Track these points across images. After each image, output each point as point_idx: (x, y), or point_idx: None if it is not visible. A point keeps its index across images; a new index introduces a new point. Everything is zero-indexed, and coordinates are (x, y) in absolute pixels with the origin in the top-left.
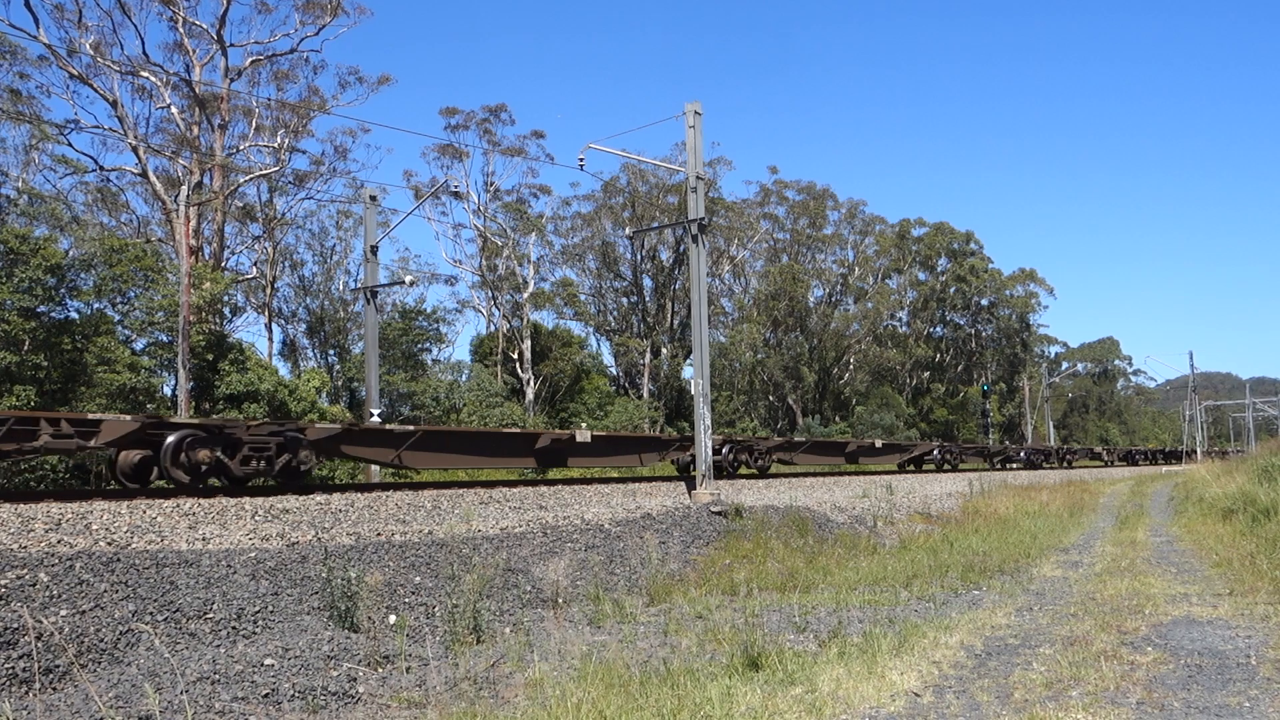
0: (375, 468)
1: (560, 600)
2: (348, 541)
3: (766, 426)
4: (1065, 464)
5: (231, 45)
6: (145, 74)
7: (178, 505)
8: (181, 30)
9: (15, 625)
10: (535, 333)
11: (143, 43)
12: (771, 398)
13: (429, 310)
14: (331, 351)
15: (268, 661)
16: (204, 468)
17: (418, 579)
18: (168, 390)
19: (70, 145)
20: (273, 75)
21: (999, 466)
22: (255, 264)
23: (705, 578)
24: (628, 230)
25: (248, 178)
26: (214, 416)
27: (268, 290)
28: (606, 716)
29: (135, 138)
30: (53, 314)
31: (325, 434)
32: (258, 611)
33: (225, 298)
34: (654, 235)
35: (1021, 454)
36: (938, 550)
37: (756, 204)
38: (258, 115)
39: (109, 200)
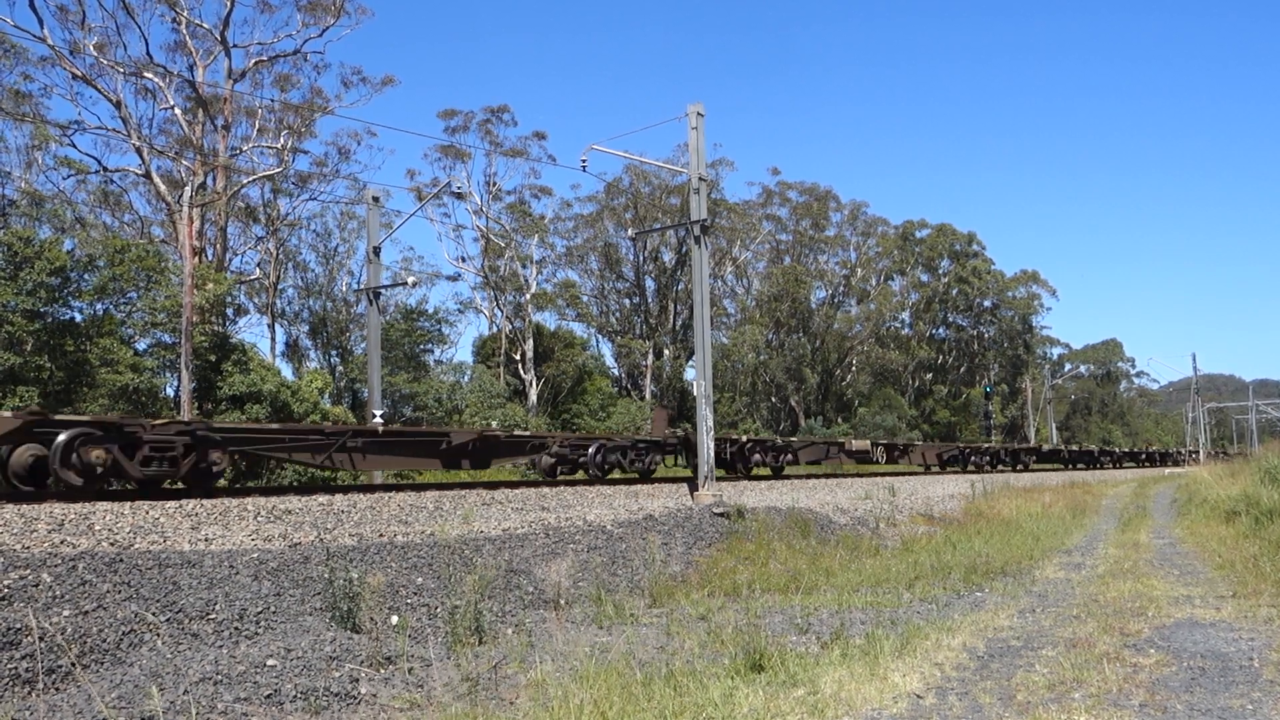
0: (378, 471)
1: (562, 601)
2: (350, 542)
3: (769, 428)
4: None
5: (235, 46)
6: (149, 75)
7: (180, 506)
8: (184, 31)
9: (18, 626)
10: (537, 334)
11: (146, 44)
12: (774, 399)
13: (431, 311)
14: (334, 352)
15: (270, 662)
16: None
17: (420, 580)
18: (170, 391)
19: (74, 146)
20: (275, 78)
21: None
22: (258, 265)
23: (707, 579)
24: (630, 231)
25: (251, 179)
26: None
27: (270, 291)
28: (609, 717)
29: (139, 138)
30: (56, 315)
31: (748, 443)
32: (260, 612)
33: (228, 299)
34: (656, 236)
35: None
36: (940, 552)
37: (759, 205)
38: (260, 116)
39: (111, 201)
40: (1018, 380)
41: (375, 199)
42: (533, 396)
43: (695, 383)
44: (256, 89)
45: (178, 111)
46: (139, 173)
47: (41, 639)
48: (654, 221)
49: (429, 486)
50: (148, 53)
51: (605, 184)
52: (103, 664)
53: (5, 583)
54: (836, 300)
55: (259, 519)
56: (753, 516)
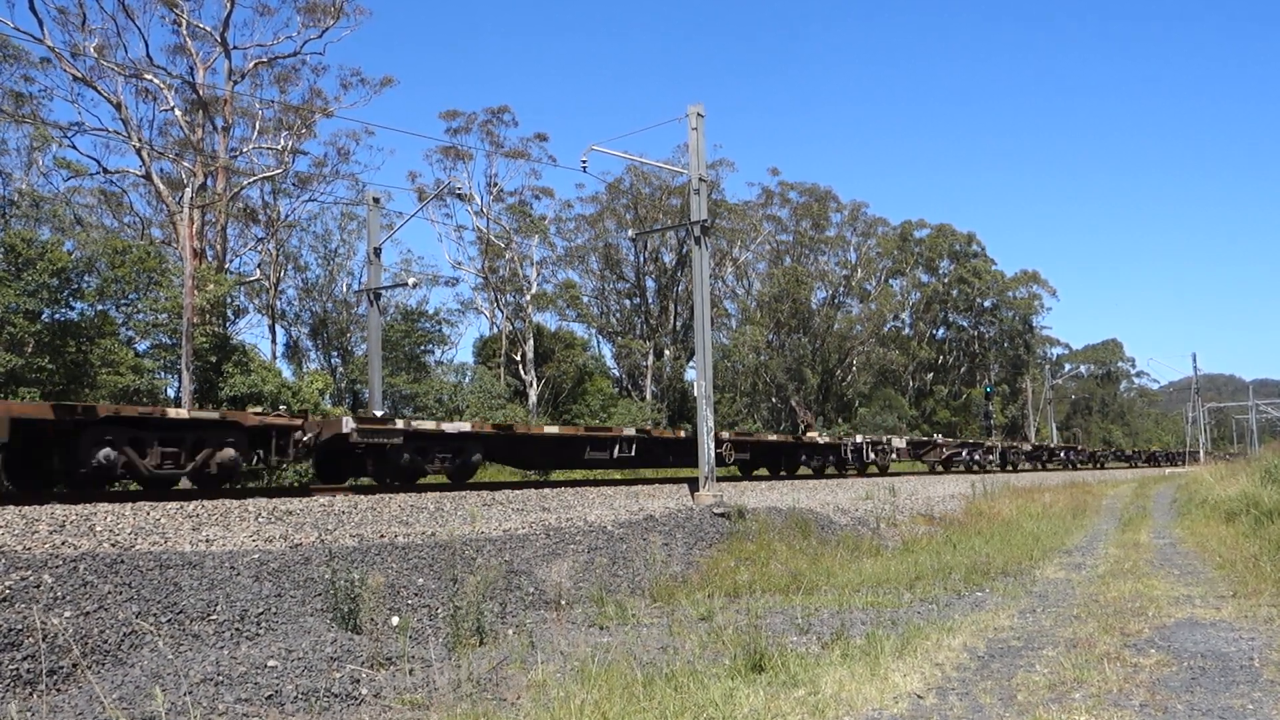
0: None
1: (563, 602)
2: (351, 543)
3: (769, 428)
4: None
5: (235, 48)
6: (149, 76)
7: (181, 507)
8: (184, 33)
9: (20, 627)
10: (538, 334)
11: (146, 45)
12: (774, 400)
13: (432, 312)
14: (334, 353)
15: (271, 663)
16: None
17: (420, 581)
18: (171, 392)
19: (74, 148)
20: (274, 79)
21: None
22: (258, 266)
23: (708, 579)
24: (630, 232)
25: (251, 180)
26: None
27: (271, 292)
28: (610, 717)
29: (139, 140)
30: (56, 316)
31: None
32: (261, 613)
33: (228, 300)
34: (657, 237)
35: None
36: (941, 552)
37: (759, 206)
38: (260, 117)
39: (112, 202)
40: (1018, 380)
41: (376, 200)
42: (533, 397)
43: (696, 383)
44: (257, 90)
45: (178, 113)
46: (139, 174)
47: (43, 640)
48: (655, 222)
49: (429, 488)
50: (148, 55)
51: (606, 184)
52: (104, 665)
53: (7, 584)
54: (837, 301)
55: (260, 520)
56: (753, 517)
